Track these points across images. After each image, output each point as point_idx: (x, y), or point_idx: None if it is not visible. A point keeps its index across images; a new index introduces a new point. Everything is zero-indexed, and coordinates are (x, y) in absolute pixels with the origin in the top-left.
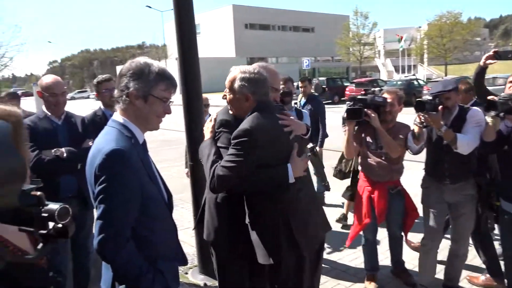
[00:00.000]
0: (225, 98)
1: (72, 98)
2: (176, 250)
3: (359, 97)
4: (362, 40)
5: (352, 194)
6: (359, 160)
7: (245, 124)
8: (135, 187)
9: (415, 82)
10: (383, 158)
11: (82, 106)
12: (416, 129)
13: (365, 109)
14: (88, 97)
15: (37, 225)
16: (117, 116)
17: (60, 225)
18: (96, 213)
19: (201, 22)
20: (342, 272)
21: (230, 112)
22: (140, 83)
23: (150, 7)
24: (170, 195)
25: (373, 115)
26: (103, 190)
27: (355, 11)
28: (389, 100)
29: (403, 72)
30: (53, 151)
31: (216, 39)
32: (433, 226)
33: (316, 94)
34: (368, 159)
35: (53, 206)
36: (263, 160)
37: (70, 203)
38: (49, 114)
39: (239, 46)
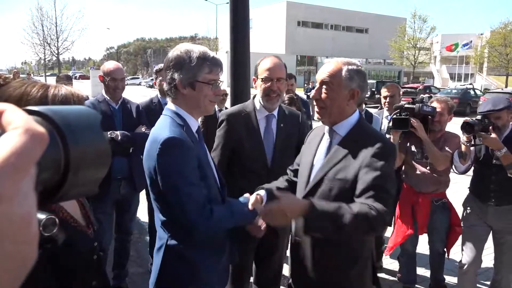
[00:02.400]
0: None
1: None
2: (223, 243)
3: (406, 105)
4: (418, 44)
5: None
6: (403, 169)
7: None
8: (192, 169)
9: (471, 92)
10: (428, 168)
11: (132, 92)
12: (463, 148)
13: (412, 119)
14: (139, 84)
15: None
16: (170, 104)
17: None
18: (154, 204)
19: (253, 17)
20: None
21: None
22: (183, 73)
23: None
24: (223, 184)
25: (419, 125)
26: (164, 177)
27: (413, 14)
28: (438, 110)
29: (459, 80)
30: (108, 133)
31: (267, 35)
32: (471, 248)
33: None
34: (412, 169)
35: (40, 216)
36: None
37: (120, 184)
38: (108, 98)
39: (289, 43)
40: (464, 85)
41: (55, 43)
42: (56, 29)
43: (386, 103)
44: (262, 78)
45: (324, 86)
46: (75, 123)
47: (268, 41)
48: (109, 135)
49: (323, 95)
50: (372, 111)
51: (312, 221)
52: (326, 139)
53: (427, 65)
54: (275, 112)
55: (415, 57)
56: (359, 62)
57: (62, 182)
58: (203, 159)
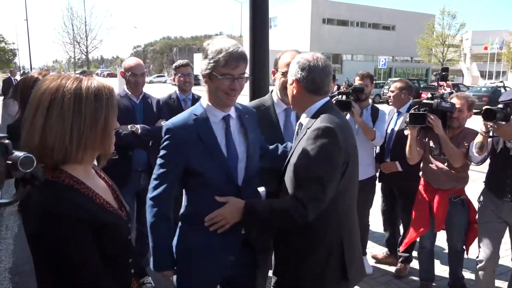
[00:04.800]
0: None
1: (151, 82)
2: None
3: (424, 101)
4: (447, 41)
5: None
6: (421, 165)
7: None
8: (178, 156)
9: (502, 90)
10: (446, 164)
11: (158, 90)
12: (480, 138)
13: (429, 115)
14: (165, 82)
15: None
16: (203, 96)
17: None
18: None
19: (278, 14)
20: (394, 279)
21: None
22: (204, 64)
23: None
24: (247, 179)
25: (436, 121)
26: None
27: (442, 10)
28: (457, 106)
29: (490, 78)
30: (129, 126)
31: (292, 32)
32: (487, 244)
33: None
34: (430, 165)
35: (18, 153)
36: None
37: (140, 176)
38: (129, 93)
39: (314, 40)
40: (494, 83)
41: (84, 42)
42: (85, 28)
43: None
44: (282, 72)
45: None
46: None
47: (293, 39)
48: (129, 129)
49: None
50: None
51: (248, 222)
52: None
53: (457, 63)
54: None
55: (444, 54)
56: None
57: None
58: (210, 148)
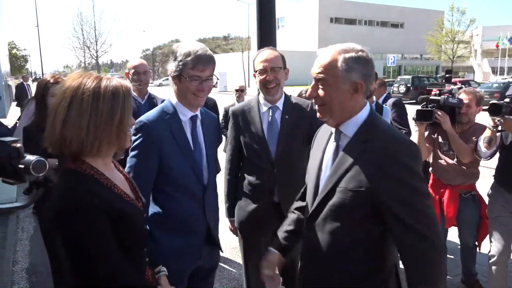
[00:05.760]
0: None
1: (160, 85)
2: (201, 227)
3: (431, 97)
4: (456, 38)
5: None
6: (430, 161)
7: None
8: (150, 153)
9: None
10: (456, 160)
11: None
12: (488, 133)
13: (437, 111)
14: None
15: (15, 177)
16: (172, 95)
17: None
18: None
19: (285, 15)
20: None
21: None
22: (173, 66)
23: None
24: (210, 178)
25: (444, 117)
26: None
27: (451, 7)
28: (465, 101)
29: (502, 73)
30: None
31: (299, 33)
32: (499, 239)
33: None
34: (440, 161)
35: (30, 157)
36: None
37: None
38: (135, 94)
39: (322, 40)
40: (506, 78)
41: (94, 46)
42: (95, 32)
43: None
44: (257, 71)
45: (319, 83)
46: None
47: (301, 38)
48: None
49: (320, 93)
50: (407, 107)
51: None
52: (332, 142)
53: (467, 59)
54: (280, 104)
55: (454, 51)
56: (361, 47)
57: None
58: (180, 145)
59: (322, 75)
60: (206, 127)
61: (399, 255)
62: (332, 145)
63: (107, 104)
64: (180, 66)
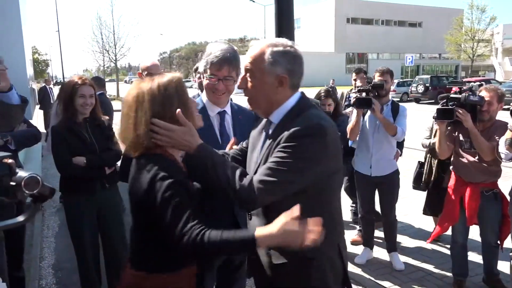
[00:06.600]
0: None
1: None
2: (228, 220)
3: (452, 95)
4: (476, 36)
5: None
6: (451, 159)
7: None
8: None
9: None
10: (477, 158)
11: None
12: (509, 135)
13: (457, 109)
14: (191, 87)
15: (7, 194)
16: (202, 94)
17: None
18: None
19: (301, 16)
20: (427, 275)
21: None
22: (201, 64)
23: (253, 1)
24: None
25: (465, 115)
26: None
27: (471, 5)
28: (487, 99)
29: None
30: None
31: (316, 33)
32: None
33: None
34: (461, 159)
35: (22, 174)
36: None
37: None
38: None
39: (339, 40)
40: None
41: (113, 50)
42: (113, 36)
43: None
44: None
45: (247, 74)
46: None
47: (317, 39)
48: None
49: (249, 84)
50: (426, 107)
51: (189, 161)
52: (263, 132)
53: (488, 58)
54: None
55: (474, 50)
56: (291, 43)
57: None
58: (207, 138)
59: (250, 65)
60: (239, 122)
61: None
62: (263, 134)
63: (161, 99)
64: (204, 64)
